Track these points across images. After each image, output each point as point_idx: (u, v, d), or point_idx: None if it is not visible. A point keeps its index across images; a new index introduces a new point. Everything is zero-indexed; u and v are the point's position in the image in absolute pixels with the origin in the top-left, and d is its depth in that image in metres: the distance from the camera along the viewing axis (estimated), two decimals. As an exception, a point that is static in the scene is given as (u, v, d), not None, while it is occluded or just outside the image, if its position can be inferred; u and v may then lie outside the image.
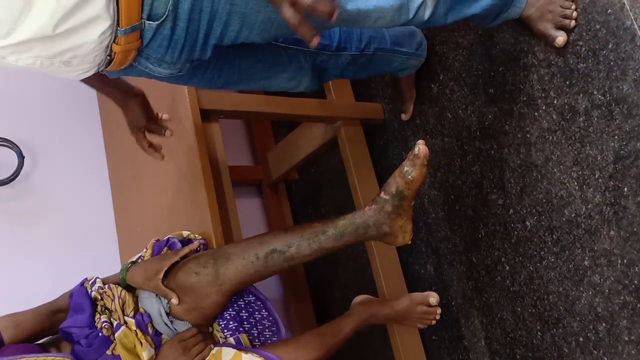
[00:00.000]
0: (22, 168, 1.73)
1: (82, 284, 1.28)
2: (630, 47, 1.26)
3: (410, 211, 1.24)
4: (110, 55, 0.96)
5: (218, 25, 0.99)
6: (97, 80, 1.25)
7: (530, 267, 1.47)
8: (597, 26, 1.31)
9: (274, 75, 1.35)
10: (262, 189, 2.27)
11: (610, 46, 1.29)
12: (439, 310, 1.61)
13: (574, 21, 1.34)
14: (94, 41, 0.90)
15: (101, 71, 1.02)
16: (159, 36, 0.96)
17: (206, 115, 1.58)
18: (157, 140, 1.38)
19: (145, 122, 1.33)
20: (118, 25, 0.91)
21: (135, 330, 1.22)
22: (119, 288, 1.28)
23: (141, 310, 1.27)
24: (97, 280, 1.28)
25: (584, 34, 1.34)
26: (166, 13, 0.94)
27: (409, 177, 1.17)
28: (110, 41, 0.93)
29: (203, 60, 1.07)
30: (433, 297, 1.60)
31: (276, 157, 2.13)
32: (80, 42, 0.89)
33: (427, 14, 1.20)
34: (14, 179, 1.73)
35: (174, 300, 1.23)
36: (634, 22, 1.25)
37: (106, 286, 1.26)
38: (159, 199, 1.65)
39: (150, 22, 0.94)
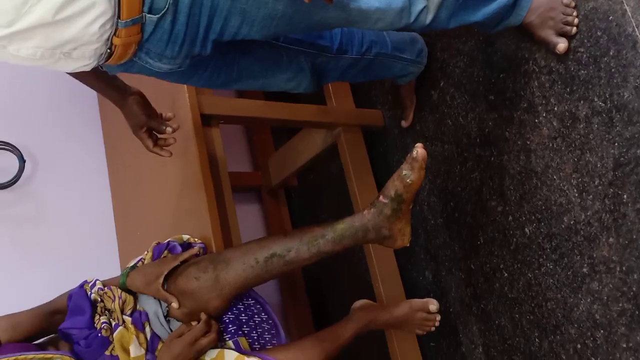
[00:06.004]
0: (22, 172, 1.73)
1: (81, 285, 1.28)
2: (631, 54, 1.26)
3: (409, 214, 1.23)
4: (110, 49, 0.97)
5: (218, 20, 1.01)
6: (95, 79, 1.25)
7: (529, 274, 1.47)
8: (599, 33, 1.32)
9: (273, 75, 1.35)
10: (261, 196, 2.27)
11: (611, 53, 1.30)
12: (438, 317, 1.61)
13: (575, 28, 1.35)
14: (94, 32, 0.91)
15: (101, 65, 1.02)
16: (159, 30, 0.97)
17: (206, 120, 1.59)
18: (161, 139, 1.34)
19: (145, 119, 1.30)
20: (119, 17, 0.92)
21: (131, 328, 1.22)
22: (120, 289, 1.28)
23: (140, 309, 1.27)
24: (97, 282, 1.28)
25: (585, 40, 1.34)
26: (167, 6, 0.95)
27: (408, 180, 1.17)
28: (110, 34, 0.94)
29: (203, 56, 1.08)
30: (433, 304, 1.60)
31: (276, 164, 2.13)
32: (81, 32, 0.90)
33: (428, 18, 1.21)
34: (14, 182, 1.72)
35: (174, 305, 1.23)
36: (636, 29, 1.26)
37: (106, 287, 1.26)
38: (159, 203, 1.65)
39: (151, 16, 0.95)
